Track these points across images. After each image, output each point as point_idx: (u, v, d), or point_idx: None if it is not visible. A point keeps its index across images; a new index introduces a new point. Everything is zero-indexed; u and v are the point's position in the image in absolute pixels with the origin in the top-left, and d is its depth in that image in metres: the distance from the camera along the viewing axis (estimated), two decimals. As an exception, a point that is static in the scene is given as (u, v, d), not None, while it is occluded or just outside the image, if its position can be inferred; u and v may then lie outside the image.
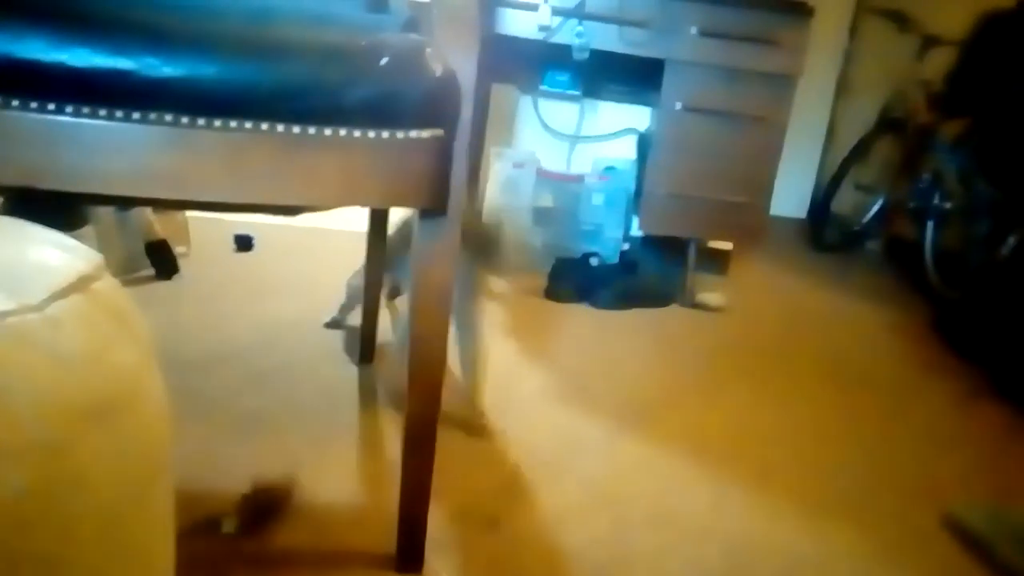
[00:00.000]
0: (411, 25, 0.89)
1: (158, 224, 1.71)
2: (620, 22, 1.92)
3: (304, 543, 0.93)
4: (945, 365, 1.92)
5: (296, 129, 0.71)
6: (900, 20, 2.83)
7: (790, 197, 3.53)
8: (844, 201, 3.17)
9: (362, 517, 0.99)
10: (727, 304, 2.09)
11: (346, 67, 0.71)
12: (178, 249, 1.78)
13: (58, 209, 1.35)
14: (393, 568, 0.89)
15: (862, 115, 3.23)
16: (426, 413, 0.84)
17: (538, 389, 1.46)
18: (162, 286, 1.69)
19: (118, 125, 0.67)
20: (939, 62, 2.68)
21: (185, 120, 0.68)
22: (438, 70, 0.75)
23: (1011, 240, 2.14)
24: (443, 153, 0.78)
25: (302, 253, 2.07)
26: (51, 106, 0.66)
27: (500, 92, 2.40)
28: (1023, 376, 1.76)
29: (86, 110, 0.66)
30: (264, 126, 0.70)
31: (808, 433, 1.43)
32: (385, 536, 0.91)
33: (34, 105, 0.66)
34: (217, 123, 0.69)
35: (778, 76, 1.93)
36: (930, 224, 2.53)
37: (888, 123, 2.95)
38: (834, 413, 1.55)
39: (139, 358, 0.29)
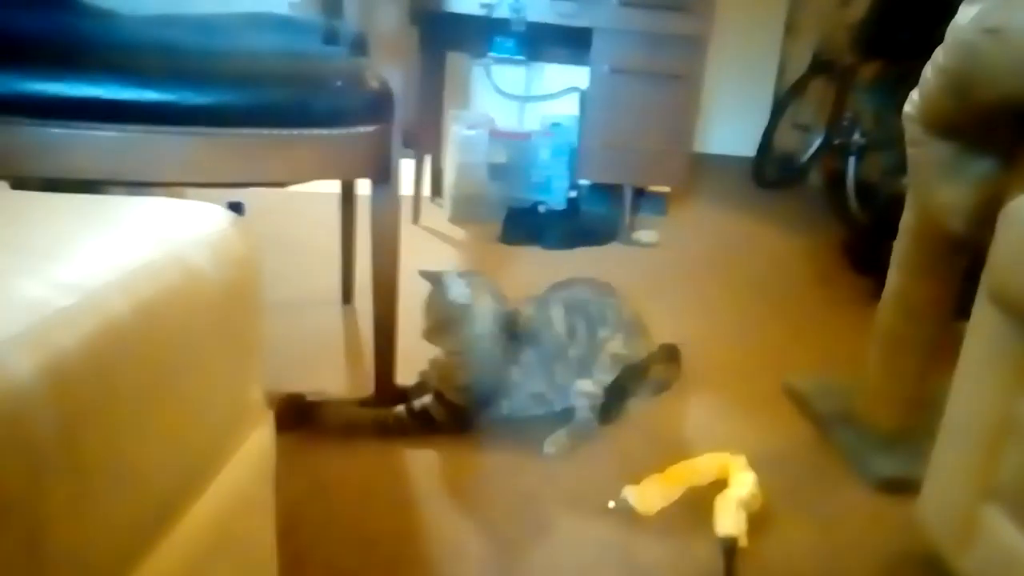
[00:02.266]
0: (358, 45, 1.30)
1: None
2: (551, -4, 2.31)
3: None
4: (841, 280, 2.38)
5: (283, 131, 1.13)
6: (827, -33, 3.21)
7: (741, 136, 3.94)
8: (790, 139, 3.58)
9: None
10: (660, 240, 2.53)
11: (314, 88, 1.14)
12: (181, 217, 2.20)
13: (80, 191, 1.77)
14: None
15: (808, 56, 3.62)
16: (387, 312, 1.29)
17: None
18: (172, 249, 2.11)
19: (167, 137, 1.10)
20: (863, 7, 3.06)
21: (211, 130, 1.10)
22: (376, 84, 1.17)
23: (912, 170, 2.57)
24: (384, 140, 1.21)
25: (285, 213, 2.50)
26: (124, 126, 1.08)
27: (455, 60, 2.80)
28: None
29: (147, 127, 1.09)
30: (263, 131, 1.12)
31: (699, 329, 1.88)
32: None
33: (113, 125, 1.08)
34: (231, 131, 1.11)
35: (691, 38, 2.34)
36: (852, 159, 2.95)
37: (819, 65, 3.35)
38: (726, 315, 2.01)
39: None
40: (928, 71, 1.00)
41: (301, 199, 2.61)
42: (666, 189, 2.81)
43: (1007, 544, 0.91)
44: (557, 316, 1.39)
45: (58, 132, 1.08)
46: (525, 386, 1.37)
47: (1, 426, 0.38)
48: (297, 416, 1.32)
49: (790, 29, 3.93)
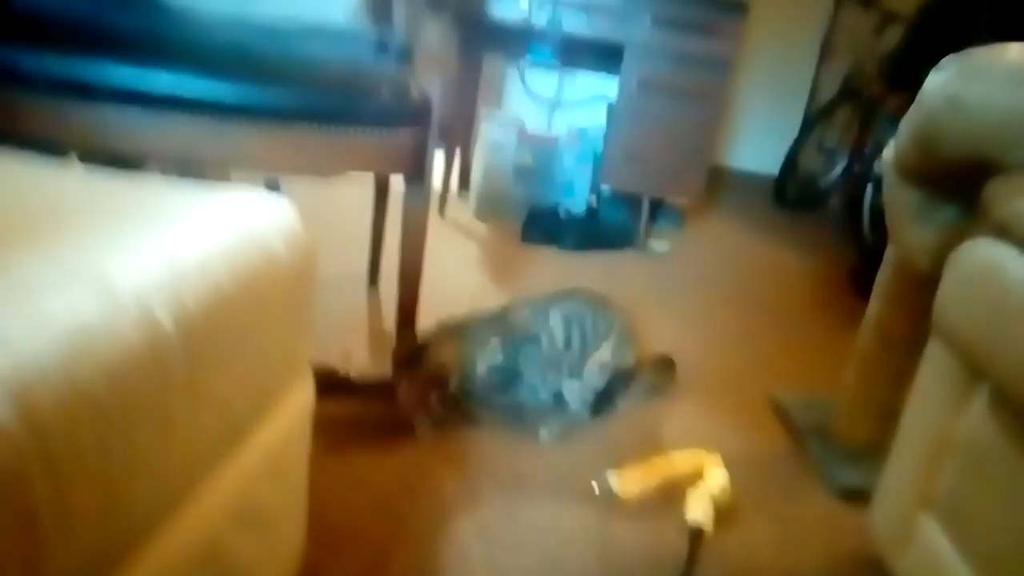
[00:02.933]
0: (404, 55, 1.48)
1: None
2: (587, 10, 2.48)
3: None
4: (843, 304, 2.52)
5: (332, 129, 1.31)
6: (865, -1, 3.34)
7: (768, 154, 4.07)
8: (814, 161, 3.71)
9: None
10: (672, 250, 2.69)
11: (362, 94, 1.32)
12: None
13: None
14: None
15: (840, 80, 3.74)
16: (410, 296, 1.47)
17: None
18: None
19: (232, 127, 1.28)
20: (896, 38, 3.19)
21: (269, 124, 1.28)
22: (417, 94, 1.35)
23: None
24: (420, 142, 1.38)
25: (317, 193, 2.69)
26: (195, 116, 1.27)
27: (491, 61, 2.97)
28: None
29: (215, 118, 1.27)
30: (316, 127, 1.30)
31: (697, 338, 2.05)
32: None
33: (185, 115, 1.27)
34: (287, 126, 1.29)
35: (718, 60, 2.49)
36: (870, 187, 3.08)
37: (849, 91, 3.48)
38: (725, 327, 2.17)
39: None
40: (902, 125, 1.15)
41: (337, 186, 2.81)
42: (683, 202, 2.97)
43: (937, 550, 1.06)
44: (556, 326, 1.55)
45: (137, 117, 1.27)
46: (523, 380, 1.53)
47: (148, 356, 0.55)
48: (327, 387, 1.50)
49: (825, 52, 4.05)
